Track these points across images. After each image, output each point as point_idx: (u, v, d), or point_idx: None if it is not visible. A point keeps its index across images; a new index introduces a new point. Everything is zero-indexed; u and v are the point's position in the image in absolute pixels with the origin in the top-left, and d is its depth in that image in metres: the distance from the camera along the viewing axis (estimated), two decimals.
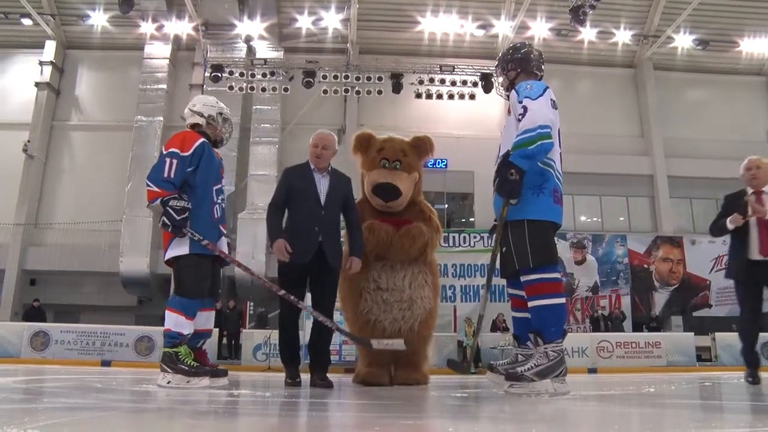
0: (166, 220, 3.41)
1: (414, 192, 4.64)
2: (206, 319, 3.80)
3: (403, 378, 4.34)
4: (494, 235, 3.33)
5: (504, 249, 3.26)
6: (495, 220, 3.45)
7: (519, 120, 3.10)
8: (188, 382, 3.39)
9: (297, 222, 4.05)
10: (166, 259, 3.65)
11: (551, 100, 3.22)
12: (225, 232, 3.83)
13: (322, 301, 4.08)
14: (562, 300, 3.19)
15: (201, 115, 3.77)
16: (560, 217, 3.24)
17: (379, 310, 4.38)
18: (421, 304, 4.41)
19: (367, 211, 4.55)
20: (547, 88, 3.25)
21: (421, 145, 4.76)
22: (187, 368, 3.42)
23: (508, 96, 3.46)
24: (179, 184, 3.51)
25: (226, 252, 3.75)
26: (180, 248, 3.54)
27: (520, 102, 3.16)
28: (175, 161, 3.48)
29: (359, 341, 4.21)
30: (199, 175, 3.59)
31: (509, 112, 3.35)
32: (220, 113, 3.83)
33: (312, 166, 4.14)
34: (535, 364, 3.01)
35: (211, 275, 3.70)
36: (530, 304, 3.12)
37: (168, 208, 3.41)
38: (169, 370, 3.41)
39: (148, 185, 3.49)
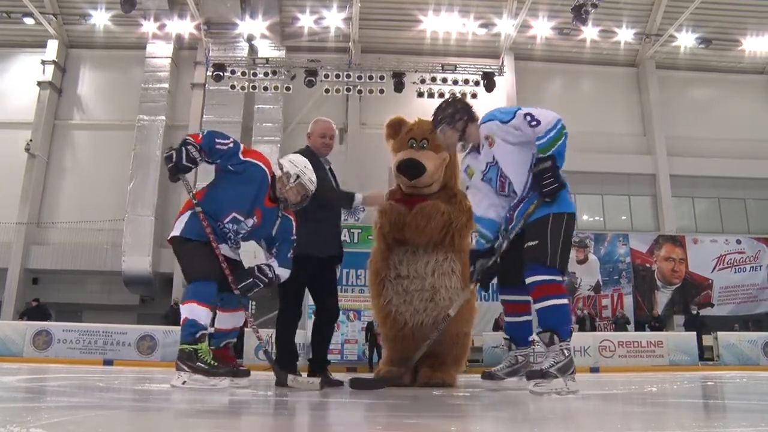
0: (174, 155, 3.30)
1: (445, 175, 4.30)
2: (232, 318, 3.64)
3: (426, 378, 3.93)
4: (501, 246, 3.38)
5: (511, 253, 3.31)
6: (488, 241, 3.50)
7: (533, 126, 3.14)
8: (208, 383, 3.14)
9: (325, 212, 4.00)
10: (169, 238, 3.48)
11: None
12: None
13: (328, 298, 4.13)
14: (567, 301, 3.28)
15: (281, 168, 3.53)
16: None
17: (399, 301, 4.06)
18: (446, 295, 3.95)
19: (398, 199, 4.29)
20: None
21: None
22: (207, 368, 3.14)
23: (463, 146, 3.55)
24: (209, 149, 3.35)
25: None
26: (175, 229, 3.37)
27: (507, 122, 3.20)
28: (232, 144, 3.40)
29: (278, 376, 3.54)
30: (225, 177, 3.42)
31: (490, 144, 3.31)
32: (298, 176, 3.49)
33: (317, 155, 4.11)
34: (555, 361, 3.04)
35: (216, 263, 3.33)
36: (540, 305, 3.13)
37: (183, 147, 3.30)
38: (186, 369, 3.14)
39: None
